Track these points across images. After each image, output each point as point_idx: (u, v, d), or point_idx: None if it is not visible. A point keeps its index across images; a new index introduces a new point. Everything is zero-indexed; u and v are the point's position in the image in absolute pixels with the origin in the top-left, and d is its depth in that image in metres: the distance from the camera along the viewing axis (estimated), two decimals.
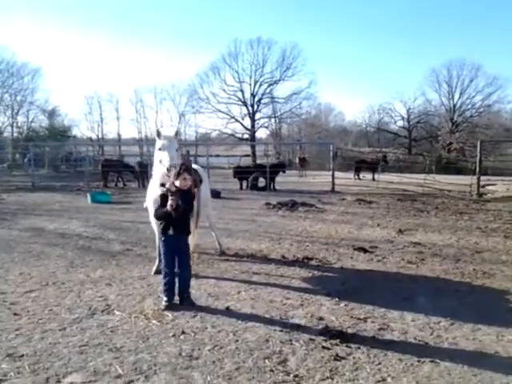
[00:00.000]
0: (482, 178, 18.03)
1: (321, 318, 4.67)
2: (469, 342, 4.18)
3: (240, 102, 56.40)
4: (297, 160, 32.39)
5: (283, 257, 7.25)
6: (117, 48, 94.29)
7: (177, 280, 5.09)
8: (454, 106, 54.40)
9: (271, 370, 3.64)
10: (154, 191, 5.85)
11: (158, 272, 5.97)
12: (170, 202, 4.92)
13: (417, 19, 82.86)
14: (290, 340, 4.16)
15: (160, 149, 5.67)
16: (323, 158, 37.69)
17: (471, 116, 54.31)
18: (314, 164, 37.65)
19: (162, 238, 5.13)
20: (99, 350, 3.96)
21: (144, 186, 19.73)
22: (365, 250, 7.66)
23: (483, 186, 18.19)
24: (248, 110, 56.29)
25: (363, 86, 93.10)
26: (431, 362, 3.79)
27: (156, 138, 5.79)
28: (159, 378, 3.50)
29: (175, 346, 4.05)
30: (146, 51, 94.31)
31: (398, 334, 4.35)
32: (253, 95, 55.88)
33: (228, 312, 4.84)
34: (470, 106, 54.18)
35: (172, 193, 4.96)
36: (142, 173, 19.97)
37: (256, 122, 56.94)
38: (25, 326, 4.48)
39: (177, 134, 5.90)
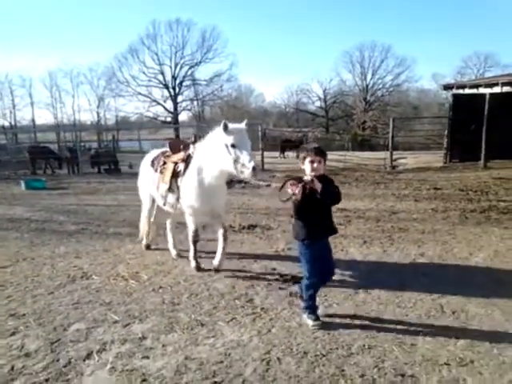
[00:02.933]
0: (394, 152, 19.95)
1: (274, 269, 5.61)
2: (392, 277, 5.32)
3: (161, 85, 55.83)
4: None
5: (231, 226, 8.08)
6: (29, 29, 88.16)
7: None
8: (367, 85, 57.70)
9: (242, 307, 4.51)
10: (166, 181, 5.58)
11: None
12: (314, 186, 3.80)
13: (332, 4, 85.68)
14: (253, 285, 5.05)
15: (233, 145, 4.70)
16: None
17: (382, 95, 57.91)
18: None
19: (305, 241, 4.04)
20: (91, 305, 4.61)
21: (75, 172, 19.61)
22: None
23: (395, 160, 20.12)
24: (170, 92, 55.92)
25: (282, 68, 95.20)
26: (365, 291, 4.87)
27: (222, 131, 4.79)
28: (151, 320, 4.25)
29: (157, 297, 4.80)
30: (62, 34, 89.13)
31: (337, 275, 5.39)
32: (174, 77, 55.54)
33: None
34: (381, 86, 57.73)
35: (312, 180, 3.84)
36: (72, 159, 19.75)
37: (178, 105, 56.76)
38: (14, 294, 4.97)
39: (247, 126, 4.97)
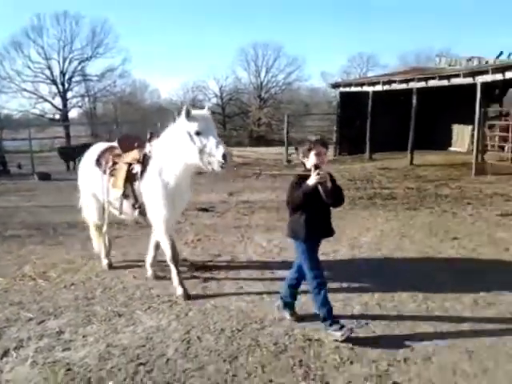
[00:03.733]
0: (289, 147, 21.01)
1: (185, 259, 5.82)
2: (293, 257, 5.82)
3: (49, 81, 52.29)
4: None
5: (136, 223, 8.11)
6: None
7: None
8: (261, 83, 59.36)
9: (158, 295, 4.68)
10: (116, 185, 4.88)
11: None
12: (316, 174, 3.56)
13: (228, 2, 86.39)
14: (165, 276, 5.21)
15: (198, 133, 4.18)
16: (144, 136, 37.89)
17: (276, 93, 59.96)
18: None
19: (307, 242, 3.83)
20: (1, 306, 4.47)
21: None
22: (206, 210, 9.03)
23: (290, 154, 21.18)
24: (58, 88, 52.56)
25: (177, 64, 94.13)
26: (271, 272, 5.30)
27: (183, 118, 4.26)
28: (67, 315, 4.26)
29: (69, 293, 4.78)
30: None
31: (244, 260, 5.78)
32: (62, 73, 52.28)
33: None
34: (274, 84, 59.74)
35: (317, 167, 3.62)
36: None
37: (68, 102, 53.64)
38: None
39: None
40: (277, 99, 59.24)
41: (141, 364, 3.39)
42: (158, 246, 5.08)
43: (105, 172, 5.03)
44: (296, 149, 4.14)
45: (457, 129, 20.57)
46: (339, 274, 5.08)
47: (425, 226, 7.41)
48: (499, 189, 10.69)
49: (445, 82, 15.61)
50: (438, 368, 3.29)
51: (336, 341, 3.63)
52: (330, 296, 3.83)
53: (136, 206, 4.86)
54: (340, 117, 21.03)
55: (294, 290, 4.10)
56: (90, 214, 5.64)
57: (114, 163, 4.99)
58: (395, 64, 49.19)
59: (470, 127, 17.92)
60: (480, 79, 14.10)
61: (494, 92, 18.79)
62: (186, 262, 5.74)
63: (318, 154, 3.71)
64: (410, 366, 3.32)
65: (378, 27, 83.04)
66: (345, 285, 4.86)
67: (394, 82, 17.87)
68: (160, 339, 3.76)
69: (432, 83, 16.15)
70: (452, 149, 20.39)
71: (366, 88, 19.57)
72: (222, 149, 4.09)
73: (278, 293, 4.31)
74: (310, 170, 3.66)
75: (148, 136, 4.92)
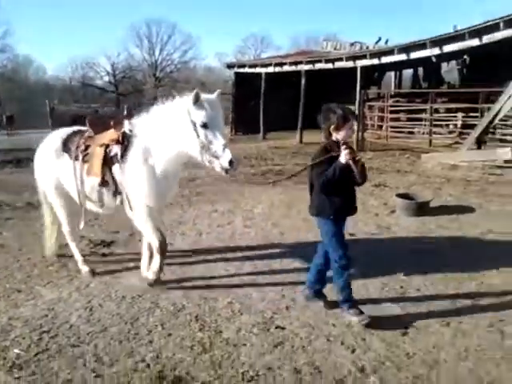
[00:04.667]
0: None
1: (82, 236, 5.88)
2: (191, 230, 6.19)
3: None
4: (4, 119, 29.79)
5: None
6: None
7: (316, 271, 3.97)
8: (156, 61, 57.94)
9: (56, 271, 4.80)
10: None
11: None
12: (345, 153, 3.40)
13: None
14: (65, 254, 5.26)
15: (205, 125, 3.69)
16: (33, 116, 35.33)
17: (171, 72, 58.96)
18: (21, 122, 35.02)
19: (331, 217, 3.67)
20: None
21: None
22: None
23: None
24: None
25: (65, 40, 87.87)
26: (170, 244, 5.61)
27: (190, 103, 3.74)
28: None
29: None
30: None
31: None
32: None
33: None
34: (169, 62, 58.66)
35: (346, 146, 3.47)
36: None
37: None
38: None
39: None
40: (173, 78, 58.26)
41: (44, 332, 3.57)
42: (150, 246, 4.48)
43: (76, 158, 4.35)
44: (327, 118, 3.59)
45: None
46: (234, 240, 5.58)
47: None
48: (375, 163, 11.97)
49: (330, 66, 16.78)
50: (313, 312, 3.88)
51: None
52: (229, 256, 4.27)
53: (117, 193, 4.24)
54: (235, 97, 21.56)
55: (323, 275, 3.94)
56: (62, 214, 4.78)
57: (87, 147, 4.34)
58: (288, 45, 50.96)
59: (352, 107, 19.43)
60: (360, 63, 15.39)
61: (373, 75, 20.52)
62: (83, 238, 5.82)
63: (351, 129, 3.59)
64: (291, 313, 3.88)
65: (271, 7, 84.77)
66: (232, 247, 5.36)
67: (285, 64, 18.78)
68: (62, 309, 3.94)
69: (319, 66, 17.26)
70: None
71: (259, 69, 20.28)
72: (229, 154, 3.64)
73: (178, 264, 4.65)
74: (331, 147, 3.53)
75: (125, 112, 4.40)
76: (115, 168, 4.16)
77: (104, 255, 5.26)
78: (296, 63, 18.20)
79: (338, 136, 3.56)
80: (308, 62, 17.57)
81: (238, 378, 3.00)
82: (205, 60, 60.50)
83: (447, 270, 4.73)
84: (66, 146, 4.50)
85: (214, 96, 3.87)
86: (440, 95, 16.29)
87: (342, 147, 3.44)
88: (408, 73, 23.82)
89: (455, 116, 14.93)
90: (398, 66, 20.35)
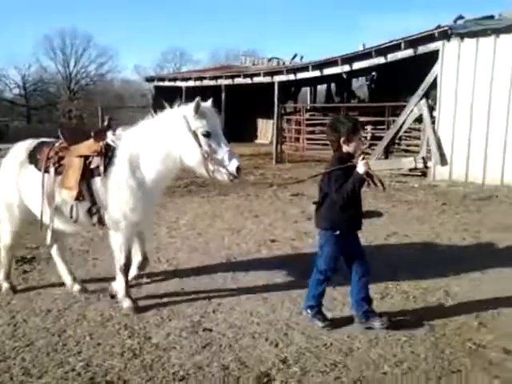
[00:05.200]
0: None
1: None
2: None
3: None
4: None
5: None
6: None
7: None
8: (70, 74, 55.79)
9: None
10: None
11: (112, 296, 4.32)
12: (363, 164, 3.41)
13: None
14: None
15: (208, 134, 3.68)
16: None
17: (87, 84, 57.05)
18: None
19: (336, 233, 3.66)
20: None
21: None
22: None
23: None
24: None
25: None
26: (94, 259, 5.58)
27: (190, 112, 3.73)
28: None
29: None
30: None
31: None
32: None
33: None
34: (85, 75, 56.73)
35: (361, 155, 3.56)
36: None
37: None
38: None
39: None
40: (88, 91, 56.42)
41: None
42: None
43: (47, 170, 4.03)
44: (334, 129, 3.58)
45: (261, 123, 22.92)
46: (159, 250, 5.68)
47: (233, 207, 8.47)
48: (293, 174, 12.58)
49: (248, 80, 17.34)
50: (239, 313, 4.10)
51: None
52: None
53: (94, 210, 3.97)
54: (155, 110, 21.43)
55: (318, 290, 3.89)
56: (6, 230, 4.43)
57: (60, 158, 4.05)
58: (207, 60, 51.43)
59: (271, 121, 20.14)
60: (277, 79, 16.07)
61: (290, 90, 21.43)
62: None
63: (361, 140, 3.62)
64: (218, 315, 4.07)
65: (192, 22, 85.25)
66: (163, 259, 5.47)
67: (205, 78, 19.08)
68: None
69: (238, 81, 17.75)
70: (258, 141, 22.67)
71: (179, 83, 20.41)
72: (235, 161, 3.65)
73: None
74: (345, 157, 3.55)
75: (106, 123, 4.22)
76: (95, 181, 3.92)
77: (25, 272, 5.13)
78: (216, 78, 18.57)
79: (347, 148, 3.55)
80: (227, 77, 18.02)
81: (169, 378, 3.13)
82: (122, 73, 59.20)
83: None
84: (32, 157, 4.19)
85: (209, 104, 3.88)
86: (351, 109, 17.40)
87: (360, 158, 3.46)
88: (322, 88, 25.12)
89: (365, 129, 16.03)
90: (312, 82, 21.42)
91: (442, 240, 6.40)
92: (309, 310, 3.89)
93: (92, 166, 3.93)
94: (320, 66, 15.05)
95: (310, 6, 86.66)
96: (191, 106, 3.72)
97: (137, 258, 4.51)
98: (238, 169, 3.66)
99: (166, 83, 21.45)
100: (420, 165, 11.81)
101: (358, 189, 3.47)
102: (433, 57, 11.65)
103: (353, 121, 3.63)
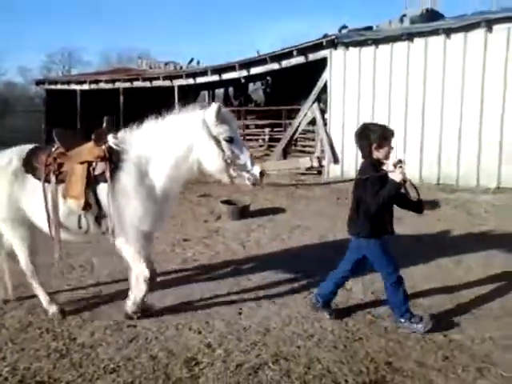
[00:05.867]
0: None
1: None
2: None
3: None
4: None
5: None
6: None
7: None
8: None
9: None
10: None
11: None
12: (400, 171, 3.48)
13: None
14: None
15: (231, 139, 3.58)
16: None
17: None
18: None
19: (378, 237, 3.74)
20: None
21: None
22: None
23: None
24: None
25: None
26: None
27: (212, 118, 3.57)
28: None
29: None
30: None
31: None
32: None
33: None
34: None
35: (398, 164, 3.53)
36: None
37: None
38: None
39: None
40: None
41: None
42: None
43: (47, 179, 3.75)
44: (368, 136, 3.65)
45: None
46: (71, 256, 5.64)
47: None
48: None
49: (148, 84, 17.23)
50: (161, 308, 4.29)
51: (414, 332, 3.76)
52: None
53: (102, 219, 3.76)
54: (47, 115, 20.36)
55: (338, 288, 4.09)
56: (20, 245, 4.07)
57: (60, 165, 3.78)
58: (98, 62, 49.54)
59: None
60: (176, 82, 16.20)
61: (189, 94, 21.59)
62: None
63: (391, 146, 3.63)
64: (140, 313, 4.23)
65: (78, 22, 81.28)
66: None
67: (101, 81, 18.55)
68: None
69: (137, 84, 17.56)
70: None
71: (73, 86, 19.61)
72: (258, 166, 3.67)
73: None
74: (376, 163, 3.66)
75: (104, 125, 3.96)
76: (100, 188, 3.70)
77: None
78: (113, 81, 18.15)
79: (378, 154, 3.63)
80: (125, 80, 17.72)
81: (99, 372, 3.26)
82: (4, 75, 54.74)
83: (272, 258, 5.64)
84: (29, 165, 3.87)
85: (224, 107, 3.73)
86: (249, 112, 18.06)
87: (398, 165, 3.51)
88: (220, 92, 25.61)
89: (263, 131, 16.78)
90: (211, 86, 21.81)
91: (339, 230, 7.08)
92: (319, 299, 4.06)
93: (96, 173, 3.69)
94: (219, 70, 15.47)
95: (203, 8, 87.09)
96: (212, 110, 3.57)
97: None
98: (262, 173, 3.65)
99: (59, 86, 20.44)
100: (315, 164, 12.69)
101: (394, 195, 3.54)
102: (323, 63, 12.62)
103: (383, 127, 3.70)
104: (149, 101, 21.04)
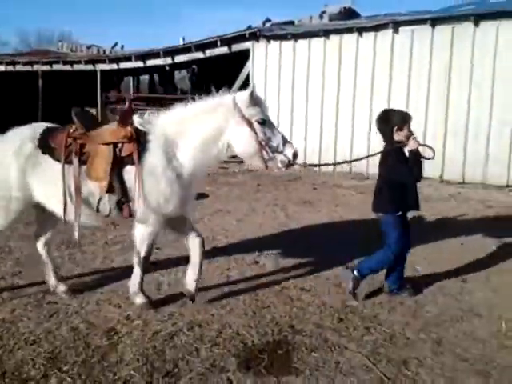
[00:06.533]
0: None
1: None
2: None
3: None
4: None
5: None
6: None
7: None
8: None
9: None
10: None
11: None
12: (413, 141, 3.83)
13: None
14: None
15: (263, 122, 3.56)
16: None
17: None
18: None
19: (399, 214, 4.00)
20: None
21: None
22: None
23: None
24: None
25: None
26: None
27: (246, 100, 3.56)
28: None
29: None
30: None
31: None
32: None
33: None
34: None
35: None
36: None
37: None
38: None
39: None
40: None
41: None
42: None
43: (67, 160, 3.59)
44: (388, 121, 3.96)
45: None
46: None
47: None
48: None
49: (68, 67, 16.70)
50: (84, 285, 4.47)
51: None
52: None
53: (124, 202, 3.64)
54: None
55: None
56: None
57: (82, 146, 3.62)
58: (16, 43, 46.51)
59: (94, 110, 19.67)
60: (99, 67, 15.87)
61: (112, 79, 21.13)
62: None
63: (409, 128, 3.90)
64: (59, 290, 4.38)
65: None
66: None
67: (19, 63, 17.68)
68: None
69: (57, 67, 16.95)
70: None
71: None
72: (291, 146, 3.63)
73: None
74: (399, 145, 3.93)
75: (127, 105, 3.60)
76: (126, 171, 3.59)
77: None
78: (32, 63, 17.35)
79: (398, 137, 3.90)
80: (45, 63, 17.01)
81: (20, 344, 3.41)
82: None
83: None
84: (45, 146, 3.71)
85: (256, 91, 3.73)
86: (176, 100, 18.00)
87: (412, 137, 3.83)
88: (145, 78, 25.24)
89: None
90: (135, 72, 21.46)
91: (257, 213, 7.54)
92: (356, 273, 4.21)
93: (123, 154, 3.58)
94: (143, 56, 15.36)
95: None
96: (246, 93, 3.62)
97: (194, 239, 3.96)
98: (295, 154, 3.62)
99: None
100: None
101: (416, 164, 3.83)
102: (246, 55, 13.00)
103: (402, 112, 4.03)
104: (70, 85, 20.39)
